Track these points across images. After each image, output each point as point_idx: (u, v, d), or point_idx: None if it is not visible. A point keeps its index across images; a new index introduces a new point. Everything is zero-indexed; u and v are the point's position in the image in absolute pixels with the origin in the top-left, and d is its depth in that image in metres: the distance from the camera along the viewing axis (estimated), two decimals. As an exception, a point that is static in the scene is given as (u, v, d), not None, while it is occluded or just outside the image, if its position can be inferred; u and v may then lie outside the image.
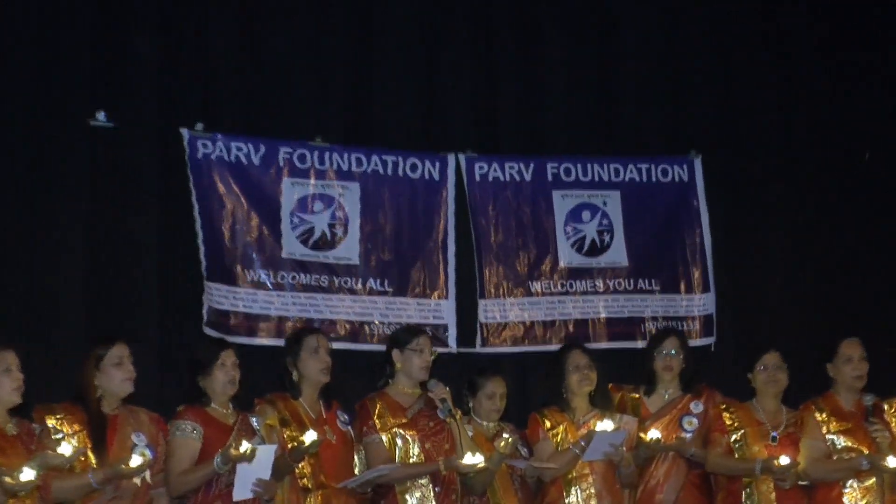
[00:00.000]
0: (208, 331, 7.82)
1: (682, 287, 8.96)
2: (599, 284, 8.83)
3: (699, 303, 8.93)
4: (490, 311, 8.58)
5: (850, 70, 9.48)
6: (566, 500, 7.25)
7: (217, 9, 8.24)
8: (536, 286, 8.70)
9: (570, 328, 8.70)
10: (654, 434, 7.33)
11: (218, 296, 7.95)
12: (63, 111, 7.76)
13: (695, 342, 8.54)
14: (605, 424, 7.07)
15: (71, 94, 7.81)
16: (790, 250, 9.23)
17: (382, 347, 7.89)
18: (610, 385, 7.72)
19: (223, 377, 6.56)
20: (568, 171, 8.83)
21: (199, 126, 7.99)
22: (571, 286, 8.77)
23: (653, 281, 8.92)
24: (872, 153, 9.39)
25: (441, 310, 8.50)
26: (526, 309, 8.67)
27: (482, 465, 6.66)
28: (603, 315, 8.80)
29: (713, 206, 9.07)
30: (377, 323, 8.32)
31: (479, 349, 8.46)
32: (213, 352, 6.67)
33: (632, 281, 8.89)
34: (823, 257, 9.26)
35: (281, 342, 7.78)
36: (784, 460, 7.14)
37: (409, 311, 8.41)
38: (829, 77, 9.46)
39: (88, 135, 7.79)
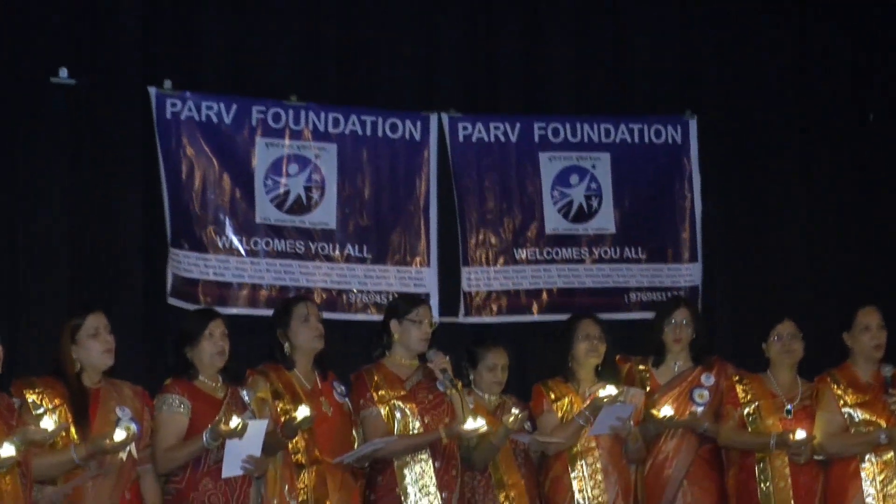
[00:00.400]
0: (173, 301, 7.76)
1: (670, 256, 8.92)
2: (585, 252, 8.79)
3: (686, 273, 8.91)
4: (473, 279, 8.54)
5: (857, 28, 9.38)
6: (571, 475, 7.28)
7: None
8: (521, 253, 8.66)
9: (554, 297, 8.64)
10: (666, 411, 7.35)
11: (186, 263, 7.89)
12: (28, 69, 7.68)
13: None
14: (609, 391, 7.06)
15: (37, 51, 7.72)
16: (803, 215, 9.20)
17: (363, 316, 8.19)
18: (617, 357, 7.72)
19: (211, 348, 6.50)
20: (556, 132, 8.76)
21: (168, 84, 7.89)
22: (557, 254, 8.72)
23: (639, 249, 8.87)
24: (877, 114, 9.37)
25: (422, 277, 8.46)
26: (510, 277, 8.63)
27: (484, 429, 6.67)
28: (587, 284, 8.74)
29: (706, 170, 9.02)
30: (355, 291, 8.27)
31: (462, 319, 8.41)
32: (201, 322, 6.62)
33: (617, 249, 8.84)
34: (836, 223, 9.26)
35: (254, 311, 7.93)
36: (800, 434, 7.16)
37: (389, 278, 8.36)
38: (833, 34, 9.38)
39: (59, 94, 7.70)
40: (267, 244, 8.10)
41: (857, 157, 9.31)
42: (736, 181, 9.14)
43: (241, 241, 8.03)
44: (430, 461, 6.84)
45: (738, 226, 9.11)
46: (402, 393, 6.97)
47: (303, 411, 6.37)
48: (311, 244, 8.21)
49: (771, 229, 9.11)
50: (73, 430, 5.97)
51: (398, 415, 6.90)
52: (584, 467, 7.27)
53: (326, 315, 7.63)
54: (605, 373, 7.46)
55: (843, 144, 9.33)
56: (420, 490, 6.80)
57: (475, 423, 6.64)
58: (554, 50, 8.97)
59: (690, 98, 9.06)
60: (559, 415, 7.33)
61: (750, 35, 9.23)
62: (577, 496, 7.26)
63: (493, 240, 8.59)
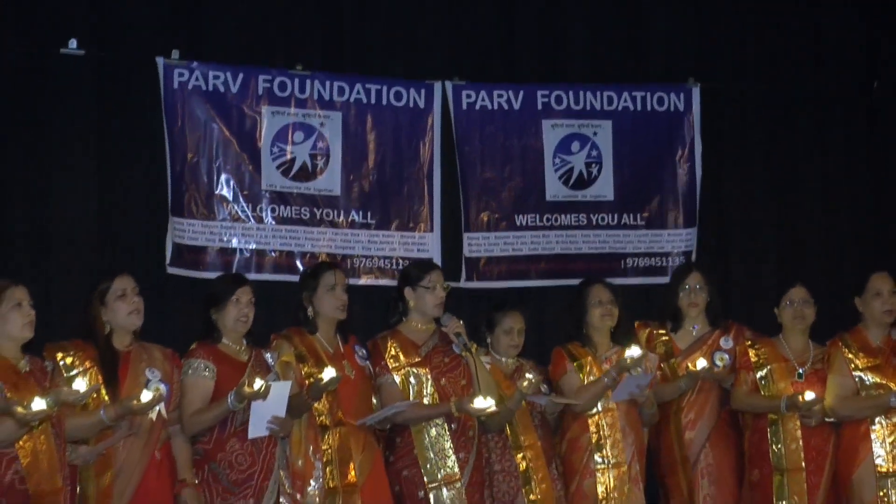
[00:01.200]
0: (172, 270, 7.88)
1: (668, 222, 8.96)
2: (583, 219, 8.83)
3: (685, 238, 8.94)
4: (474, 244, 8.61)
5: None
6: (590, 433, 7.36)
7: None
8: (522, 219, 8.72)
9: (553, 263, 8.72)
10: (701, 363, 7.47)
11: (188, 231, 7.97)
12: (38, 40, 7.74)
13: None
14: (633, 351, 7.14)
15: (47, 22, 7.77)
16: (811, 182, 9.26)
17: (368, 281, 8.30)
18: (637, 322, 7.86)
19: (236, 313, 6.64)
20: (559, 100, 8.79)
21: (175, 54, 7.95)
22: (556, 220, 8.78)
23: (638, 216, 8.93)
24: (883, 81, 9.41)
25: (425, 243, 8.52)
26: (511, 243, 8.69)
27: (492, 409, 6.74)
28: (584, 250, 8.81)
29: (713, 137, 9.07)
30: (359, 256, 8.35)
31: (463, 284, 8.47)
32: (230, 287, 6.75)
33: (616, 216, 8.90)
34: (848, 189, 9.29)
35: (260, 277, 7.97)
36: (809, 395, 7.25)
37: (393, 244, 8.44)
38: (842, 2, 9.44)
39: (68, 64, 7.74)
40: (273, 210, 8.16)
41: (867, 124, 9.35)
42: (749, 148, 9.20)
43: (246, 208, 8.08)
44: (446, 425, 6.94)
45: (751, 193, 9.14)
46: (417, 359, 7.04)
47: (328, 373, 6.45)
48: (316, 210, 8.27)
49: (784, 196, 9.16)
50: (103, 391, 6.10)
51: (412, 381, 6.99)
52: (604, 427, 7.37)
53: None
54: (621, 336, 7.55)
55: (852, 111, 9.36)
56: (437, 453, 6.88)
57: (484, 403, 6.71)
58: (560, 18, 8.98)
59: (694, 66, 9.06)
60: (581, 377, 7.42)
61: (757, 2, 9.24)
62: (596, 456, 7.34)
63: (494, 206, 8.64)
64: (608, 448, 7.36)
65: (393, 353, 7.07)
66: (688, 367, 7.57)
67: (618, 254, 8.86)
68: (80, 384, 5.84)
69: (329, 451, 6.72)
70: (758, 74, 9.20)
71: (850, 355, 7.51)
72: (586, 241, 8.82)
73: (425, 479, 6.89)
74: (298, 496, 6.63)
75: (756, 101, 9.20)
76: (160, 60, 7.88)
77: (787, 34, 9.30)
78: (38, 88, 7.74)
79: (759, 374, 7.60)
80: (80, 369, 6.12)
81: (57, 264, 7.52)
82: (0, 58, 7.63)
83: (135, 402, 5.96)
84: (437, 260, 8.38)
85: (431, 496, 6.87)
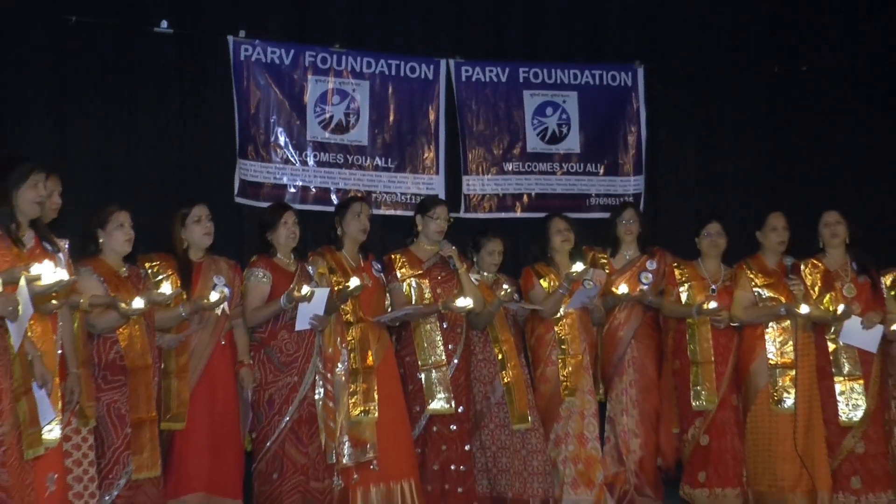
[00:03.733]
0: (239, 199, 7.95)
1: (621, 170, 9.01)
2: (556, 167, 8.90)
3: (634, 183, 9.00)
4: (471, 185, 8.69)
5: None
6: (556, 330, 7.50)
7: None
8: (508, 166, 8.79)
9: (533, 200, 8.79)
10: (623, 289, 7.61)
11: (251, 170, 8.04)
12: (137, 21, 7.80)
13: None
14: (577, 266, 7.25)
15: (143, 6, 7.85)
16: (726, 142, 9.33)
17: (388, 211, 8.30)
18: (584, 247, 7.88)
19: (286, 233, 6.78)
20: (536, 75, 8.86)
21: (242, 33, 8.01)
22: (535, 167, 8.84)
23: (598, 165, 8.97)
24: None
25: (432, 183, 8.58)
26: (500, 184, 8.77)
27: (470, 307, 6.92)
28: (558, 190, 8.88)
29: (650, 106, 9.10)
30: (381, 192, 8.43)
31: (462, 215, 8.52)
32: (279, 213, 6.86)
33: (582, 164, 8.94)
34: (756, 148, 9.27)
35: (304, 207, 8.01)
36: (712, 304, 7.41)
37: (407, 183, 8.50)
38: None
39: (160, 40, 7.85)
40: (315, 156, 8.24)
41: (769, 94, 9.32)
42: (680, 115, 9.25)
43: (295, 154, 8.18)
44: (438, 323, 7.09)
45: (681, 148, 9.20)
46: (420, 272, 7.18)
47: (354, 281, 6.62)
48: (348, 157, 8.35)
49: (706, 152, 9.22)
50: (182, 294, 6.26)
51: (415, 287, 7.15)
52: (565, 328, 7.50)
53: (359, 211, 7.88)
54: (576, 256, 7.61)
55: (759, 86, 9.29)
56: (429, 344, 7.06)
57: (464, 302, 6.90)
58: (538, 11, 8.99)
59: (639, 50, 9.10)
60: (545, 287, 7.55)
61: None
62: (557, 349, 7.47)
63: (486, 156, 8.72)
64: (567, 344, 7.49)
65: (401, 266, 7.20)
66: (611, 290, 7.69)
67: (583, 194, 8.92)
68: (167, 288, 6.10)
69: (353, 341, 6.83)
70: (688, 58, 9.12)
71: (752, 275, 7.61)
72: (559, 183, 8.89)
73: (419, 362, 7.05)
74: (329, 375, 6.74)
75: (686, 78, 9.17)
76: (230, 38, 7.96)
77: (711, 25, 9.26)
78: (135, 58, 7.79)
79: (682, 289, 7.69)
80: (163, 276, 6.35)
81: (151, 195, 7.60)
82: (102, 35, 7.63)
83: (205, 301, 6.21)
84: (442, 196, 8.40)
85: (422, 376, 7.01)
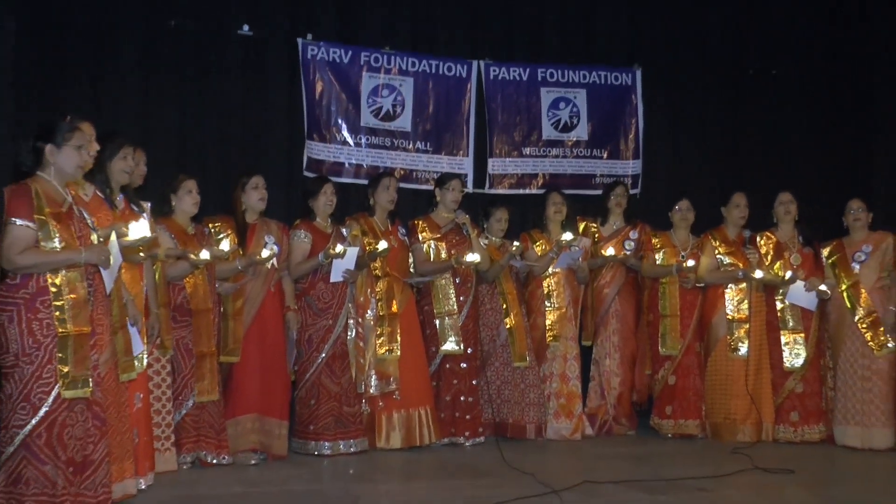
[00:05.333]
0: (307, 173, 7.97)
1: (622, 155, 8.99)
2: (567, 151, 8.87)
3: (632, 166, 8.98)
4: (495, 165, 8.70)
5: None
6: (544, 286, 7.63)
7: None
8: (526, 150, 8.78)
9: (547, 179, 8.77)
10: (610, 251, 7.69)
11: (316, 150, 8.08)
12: (222, 24, 7.90)
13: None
14: (566, 235, 7.32)
15: (228, 12, 7.93)
16: (702, 134, 9.28)
17: (426, 186, 8.25)
18: (578, 217, 7.97)
19: (325, 201, 6.87)
20: (552, 75, 8.84)
21: (309, 36, 8.07)
22: (549, 151, 8.83)
23: (602, 150, 8.94)
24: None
25: (463, 163, 8.60)
26: (519, 165, 8.76)
27: (477, 261, 7.03)
28: (568, 171, 8.87)
29: (646, 102, 9.07)
30: (421, 171, 8.48)
31: (487, 190, 8.57)
32: (319, 184, 6.97)
33: (589, 150, 8.91)
34: (723, 138, 9.27)
35: (358, 181, 8.10)
36: (690, 262, 7.59)
37: (443, 163, 8.51)
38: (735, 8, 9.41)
39: (242, 41, 7.95)
40: (367, 140, 8.26)
41: (736, 94, 9.34)
42: (672, 110, 9.20)
43: (351, 137, 8.21)
44: (451, 279, 7.21)
45: (668, 138, 9.16)
46: (437, 235, 7.31)
47: (383, 244, 6.77)
48: (394, 140, 8.37)
49: (688, 142, 9.23)
50: (238, 250, 6.36)
51: (433, 248, 7.27)
52: (552, 285, 7.63)
53: (403, 185, 7.90)
54: (567, 226, 7.70)
55: (730, 88, 9.30)
56: (443, 296, 7.21)
57: (472, 257, 7.01)
58: (554, 21, 8.99)
59: (639, 54, 9.08)
60: (538, 252, 7.65)
61: (685, 12, 9.24)
62: (546, 302, 7.61)
63: (508, 141, 8.70)
64: (554, 298, 7.63)
65: (422, 230, 7.33)
66: (601, 252, 7.77)
67: (589, 174, 8.90)
68: (225, 244, 6.16)
69: (380, 292, 7.00)
70: (679, 62, 9.13)
71: (715, 244, 7.74)
72: (569, 165, 8.86)
73: (435, 311, 7.18)
74: (360, 320, 6.88)
75: (677, 79, 9.14)
76: (300, 41, 8.01)
77: (699, 35, 9.25)
78: (217, 54, 7.85)
79: (658, 255, 7.82)
80: (224, 234, 6.42)
81: (221, 169, 7.63)
82: (191, 36, 7.70)
83: (257, 256, 6.35)
84: (470, 175, 8.52)
85: (437, 322, 7.15)
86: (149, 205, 5.70)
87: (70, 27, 7.34)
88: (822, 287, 7.39)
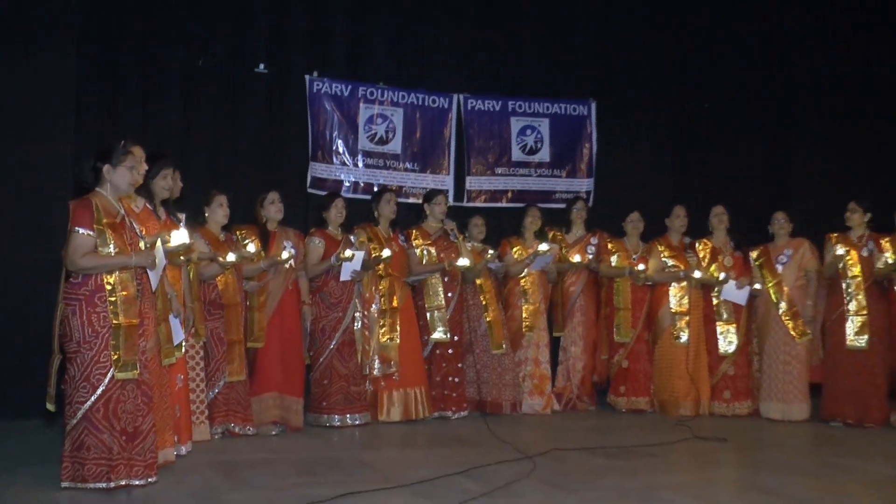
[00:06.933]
0: (311, 190, 7.92)
1: (578, 174, 8.94)
2: (532, 171, 8.81)
3: (586, 183, 8.93)
4: (472, 182, 8.64)
5: (693, 37, 9.39)
6: (521, 284, 7.59)
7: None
8: (498, 170, 8.72)
9: (515, 194, 8.71)
10: (577, 258, 7.70)
11: (318, 169, 8.00)
12: (242, 63, 7.86)
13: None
14: (543, 246, 7.40)
15: (246, 52, 7.87)
16: (649, 156, 9.23)
17: (413, 200, 8.19)
18: (546, 227, 7.95)
19: (335, 212, 6.86)
20: (520, 107, 8.79)
21: (315, 73, 8.02)
22: (517, 171, 8.77)
23: (562, 170, 8.89)
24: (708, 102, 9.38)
25: (445, 181, 8.54)
26: (492, 183, 8.69)
27: (467, 265, 7.04)
28: (533, 188, 8.80)
29: (599, 130, 9.04)
30: (409, 186, 8.42)
31: (465, 204, 8.51)
32: (331, 198, 6.97)
33: (550, 170, 8.86)
34: (665, 160, 9.23)
35: (356, 196, 7.99)
36: (641, 266, 7.57)
37: (428, 180, 8.44)
38: (677, 41, 9.39)
39: (259, 78, 7.92)
40: (363, 161, 8.19)
41: (679, 125, 9.34)
42: (620, 136, 9.10)
43: (350, 159, 8.14)
44: (441, 278, 7.20)
45: (617, 160, 9.05)
46: (429, 242, 7.29)
47: (386, 252, 6.79)
48: (386, 161, 8.29)
49: (636, 163, 9.11)
50: (261, 253, 6.39)
51: (426, 253, 7.25)
52: (527, 283, 7.60)
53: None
54: (540, 235, 7.75)
55: (671, 119, 9.26)
56: (434, 292, 7.20)
57: (462, 262, 7.04)
58: (521, 62, 8.95)
59: (593, 89, 9.03)
60: (515, 256, 7.63)
61: (634, 55, 9.22)
62: (522, 298, 7.58)
63: (483, 162, 8.63)
64: (529, 294, 7.60)
65: (416, 237, 7.32)
66: (567, 259, 7.75)
67: (551, 190, 8.83)
68: (251, 248, 6.21)
69: (383, 289, 6.96)
70: (626, 97, 9.09)
71: (661, 249, 7.77)
72: (534, 183, 8.79)
73: (426, 305, 7.18)
74: (366, 312, 6.83)
75: (625, 111, 9.07)
76: (307, 77, 7.97)
77: (644, 74, 9.20)
78: (238, 87, 7.81)
79: (613, 258, 7.81)
80: (249, 240, 6.42)
81: (247, 185, 7.43)
82: (218, 74, 7.70)
83: (278, 258, 6.36)
84: (451, 191, 8.42)
85: (428, 314, 7.15)
86: (184, 216, 5.68)
87: (121, 65, 7.35)
88: (757, 286, 7.47)
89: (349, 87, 8.24)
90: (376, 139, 8.34)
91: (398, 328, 6.97)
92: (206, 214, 6.22)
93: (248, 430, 6.22)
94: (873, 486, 5.05)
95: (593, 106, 9.07)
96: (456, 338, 7.25)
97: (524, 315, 7.58)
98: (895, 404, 7.10)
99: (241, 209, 6.83)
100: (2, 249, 6.52)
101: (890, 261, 7.02)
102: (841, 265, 7.17)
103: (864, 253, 7.17)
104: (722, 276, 7.51)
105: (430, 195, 7.54)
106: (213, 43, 7.71)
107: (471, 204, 8.59)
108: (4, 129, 6.55)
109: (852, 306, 7.11)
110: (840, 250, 7.20)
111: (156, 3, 7.48)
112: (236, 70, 7.83)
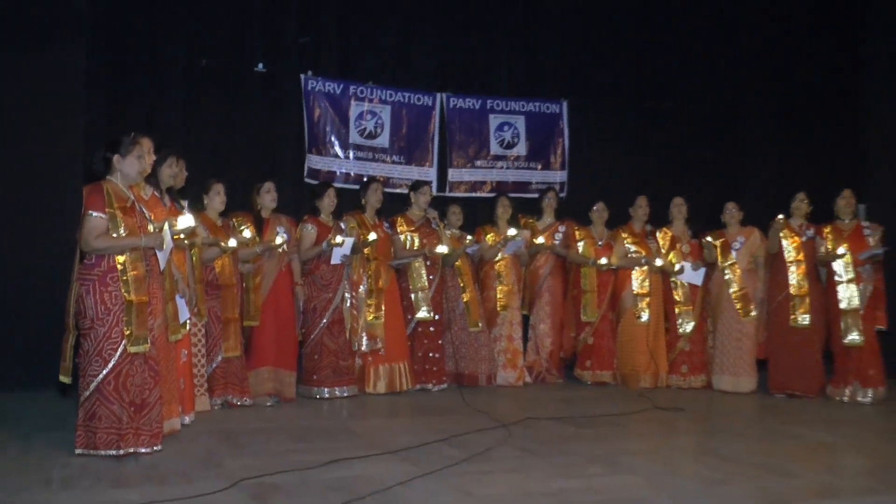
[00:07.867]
0: (307, 180, 7.87)
1: (553, 167, 8.95)
2: (510, 164, 8.81)
3: (560, 175, 8.94)
4: (454, 174, 8.63)
5: (655, 43, 9.31)
6: (496, 267, 7.59)
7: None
8: (478, 163, 8.71)
9: (494, 185, 8.71)
10: (540, 239, 7.68)
11: (314, 161, 7.97)
12: (243, 62, 7.83)
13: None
14: (512, 232, 7.37)
15: (246, 52, 7.84)
16: (615, 151, 9.11)
17: (400, 190, 8.13)
18: (520, 215, 7.95)
19: (327, 201, 6.81)
20: (498, 105, 8.77)
21: (310, 73, 7.98)
22: (495, 164, 8.77)
23: (537, 163, 8.88)
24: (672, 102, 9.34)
25: (429, 172, 8.52)
26: (472, 174, 8.70)
27: (445, 252, 7.02)
28: (510, 180, 8.80)
29: (571, 126, 9.04)
30: (396, 177, 8.37)
31: (447, 194, 8.49)
32: (324, 188, 6.92)
33: (526, 163, 8.85)
34: (631, 154, 9.11)
35: (347, 186, 7.94)
36: (602, 260, 7.55)
37: (413, 172, 8.40)
38: (641, 47, 9.33)
39: (257, 77, 7.89)
40: (354, 153, 8.16)
41: (642, 123, 9.23)
42: (590, 133, 9.05)
43: (342, 151, 8.11)
44: (423, 262, 7.18)
45: (587, 154, 9.02)
46: (412, 228, 7.28)
47: (372, 235, 6.73)
48: (375, 154, 8.27)
49: (603, 157, 8.99)
50: (256, 238, 6.32)
51: (409, 239, 7.24)
52: (502, 266, 7.59)
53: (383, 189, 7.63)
54: (511, 223, 7.72)
55: (635, 116, 9.16)
56: (417, 275, 7.16)
57: (441, 248, 7.03)
58: (499, 63, 8.94)
59: (564, 89, 9.00)
60: (490, 242, 7.61)
61: (603, 59, 9.17)
62: (497, 280, 7.58)
63: (463, 155, 8.63)
64: (503, 277, 7.60)
65: (400, 224, 7.29)
66: (535, 242, 7.73)
67: (527, 182, 8.82)
68: (247, 234, 6.16)
69: (370, 271, 6.91)
70: (596, 96, 9.05)
71: (625, 236, 7.78)
72: (512, 175, 8.78)
73: (410, 286, 7.16)
74: (354, 293, 6.79)
75: (594, 109, 9.04)
76: (303, 76, 7.93)
77: (611, 74, 9.16)
78: (238, 85, 7.77)
79: (580, 245, 7.80)
80: (245, 226, 6.33)
81: (244, 176, 7.33)
82: (219, 72, 7.59)
83: (272, 243, 6.32)
84: (434, 182, 8.37)
85: (412, 295, 7.13)
86: (186, 202, 5.64)
87: (128, 64, 7.33)
88: (703, 268, 7.52)
89: (341, 85, 8.19)
90: (366, 134, 8.29)
91: (384, 308, 6.93)
92: (205, 202, 6.17)
93: (246, 401, 6.19)
94: (816, 450, 5.13)
95: (565, 105, 9.05)
96: (437, 316, 7.23)
97: (499, 295, 7.57)
98: (829, 377, 7.18)
99: (239, 198, 6.76)
100: (19, 234, 6.49)
101: (841, 251, 6.99)
102: (787, 255, 7.19)
103: (804, 238, 7.20)
104: (677, 266, 7.55)
105: (416, 185, 7.52)
106: (215, 44, 7.67)
107: (453, 194, 8.56)
108: (21, 124, 6.50)
109: (793, 289, 7.14)
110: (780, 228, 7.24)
111: (161, 7, 7.45)
112: (236, 69, 7.77)
